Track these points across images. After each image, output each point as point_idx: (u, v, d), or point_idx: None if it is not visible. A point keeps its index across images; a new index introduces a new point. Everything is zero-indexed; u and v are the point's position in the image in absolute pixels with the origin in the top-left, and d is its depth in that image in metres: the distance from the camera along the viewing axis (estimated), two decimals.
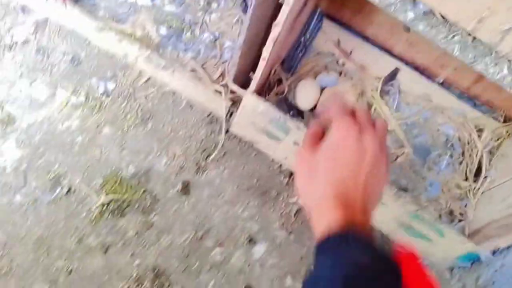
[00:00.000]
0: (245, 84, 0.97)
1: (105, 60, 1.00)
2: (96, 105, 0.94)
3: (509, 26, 0.49)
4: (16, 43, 0.96)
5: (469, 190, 1.02)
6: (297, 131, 0.89)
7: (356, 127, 0.45)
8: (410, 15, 0.59)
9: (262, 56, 0.81)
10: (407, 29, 0.98)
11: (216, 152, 0.97)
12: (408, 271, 0.34)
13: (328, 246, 0.36)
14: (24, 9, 1.01)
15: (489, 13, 0.49)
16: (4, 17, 0.99)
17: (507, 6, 0.46)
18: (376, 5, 0.58)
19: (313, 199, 0.43)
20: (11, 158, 0.84)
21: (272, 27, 0.74)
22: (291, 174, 0.99)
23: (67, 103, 0.92)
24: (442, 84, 1.06)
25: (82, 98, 0.93)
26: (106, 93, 0.96)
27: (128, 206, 0.86)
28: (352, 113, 0.48)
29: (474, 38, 0.53)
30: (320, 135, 0.48)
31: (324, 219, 0.39)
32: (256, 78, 0.86)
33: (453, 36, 0.54)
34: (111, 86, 0.97)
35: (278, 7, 0.84)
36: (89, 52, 1.00)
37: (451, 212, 1.02)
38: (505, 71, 0.53)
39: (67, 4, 0.95)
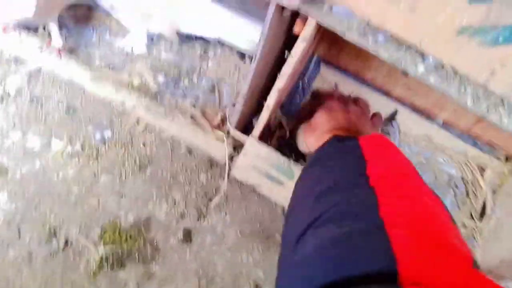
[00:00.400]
0: (246, 129, 0.99)
1: (101, 107, 1.01)
2: (92, 153, 0.94)
3: None
4: (9, 94, 0.97)
5: (475, 230, 1.02)
6: None
7: (341, 102, 0.78)
8: (421, 68, 0.62)
9: (266, 104, 0.83)
10: (405, 74, 1.02)
11: (217, 197, 0.96)
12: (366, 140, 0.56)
13: (325, 145, 0.62)
14: (17, 60, 1.02)
15: (500, 66, 0.52)
16: None
17: None
18: (386, 60, 0.61)
19: (315, 140, 0.70)
20: (4, 211, 0.83)
21: (278, 78, 0.76)
22: None
23: (62, 153, 0.92)
24: (442, 125, 1.09)
25: (78, 147, 0.93)
26: (103, 141, 0.96)
27: (128, 256, 0.85)
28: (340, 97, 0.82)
29: (486, 89, 0.56)
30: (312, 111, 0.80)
31: (322, 140, 0.64)
32: (259, 125, 0.88)
33: (465, 88, 0.57)
34: (107, 134, 0.97)
35: (279, 57, 0.88)
36: (85, 101, 1.01)
37: None
38: None
39: (62, 55, 0.97)
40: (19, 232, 0.82)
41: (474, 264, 0.39)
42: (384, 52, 0.64)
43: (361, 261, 0.35)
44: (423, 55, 0.65)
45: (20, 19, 0.85)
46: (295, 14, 0.71)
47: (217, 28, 1.04)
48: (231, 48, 1.17)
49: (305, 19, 0.68)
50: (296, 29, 0.70)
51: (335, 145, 0.59)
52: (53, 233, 0.83)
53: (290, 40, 0.83)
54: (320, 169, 0.56)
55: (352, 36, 0.63)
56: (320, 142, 0.63)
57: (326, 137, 0.64)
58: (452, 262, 0.35)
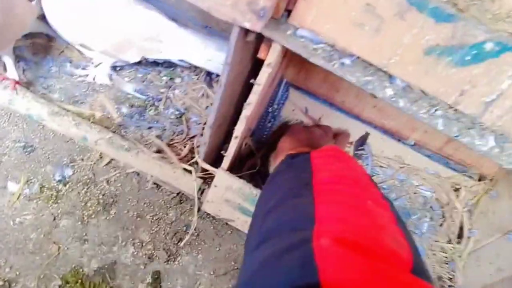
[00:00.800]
0: (215, 160, 0.93)
1: (61, 144, 0.94)
2: (52, 195, 0.86)
3: (491, 98, 0.49)
4: None
5: (454, 253, 0.99)
6: None
7: (304, 127, 0.87)
8: (389, 92, 0.59)
9: (234, 135, 0.78)
10: (374, 95, 1.00)
11: (188, 235, 0.90)
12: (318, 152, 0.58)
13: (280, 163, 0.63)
14: None
15: (470, 86, 0.49)
16: None
17: (487, 79, 0.46)
18: (354, 84, 0.58)
19: (277, 161, 0.67)
20: None
21: (244, 106, 0.72)
22: None
23: (19, 196, 0.84)
24: (413, 146, 1.07)
25: (36, 189, 0.86)
26: (63, 180, 0.89)
27: None
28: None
29: (457, 110, 0.53)
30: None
31: (283, 154, 0.65)
32: (229, 156, 0.83)
33: (435, 110, 0.53)
34: (68, 172, 0.90)
35: (247, 84, 0.84)
36: (44, 138, 0.94)
37: (439, 278, 0.98)
38: (492, 142, 0.52)
39: (18, 89, 0.90)
40: None
41: (415, 268, 0.37)
42: (351, 76, 0.61)
43: (287, 278, 0.34)
44: (390, 77, 0.62)
45: None
46: (259, 39, 0.67)
47: (183, 51, 0.98)
48: (198, 74, 1.13)
49: (269, 44, 0.64)
50: (261, 54, 0.66)
51: (288, 162, 0.60)
52: None
53: (257, 66, 0.79)
54: (270, 186, 0.56)
55: (317, 60, 0.60)
56: (276, 164, 0.65)
57: (281, 157, 0.65)
58: (382, 268, 0.34)
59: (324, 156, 0.56)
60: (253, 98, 0.70)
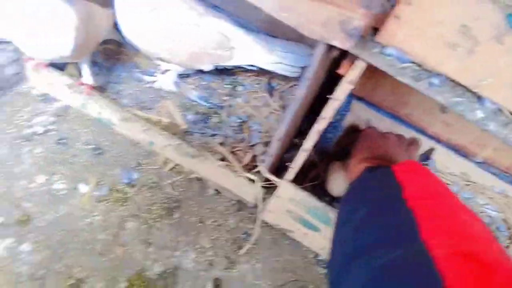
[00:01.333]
0: (277, 169, 0.92)
1: (129, 148, 0.96)
2: (120, 197, 0.88)
3: None
4: (36, 133, 0.92)
5: None
6: None
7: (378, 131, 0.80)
8: (479, 114, 0.55)
9: (303, 148, 0.76)
10: (444, 110, 0.95)
11: (248, 244, 0.89)
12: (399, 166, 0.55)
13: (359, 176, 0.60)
14: (45, 98, 0.98)
15: None
16: (23, 108, 0.96)
17: None
18: (443, 104, 0.54)
19: (349, 172, 0.70)
20: (27, 264, 0.76)
21: (317, 120, 0.70)
22: None
23: (89, 198, 0.85)
24: (480, 163, 1.01)
25: (105, 191, 0.87)
26: (130, 184, 0.90)
27: None
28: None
29: None
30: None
31: (354, 173, 0.63)
32: (294, 168, 0.81)
33: None
34: (135, 175, 0.91)
35: (317, 97, 0.81)
36: (112, 141, 0.96)
37: None
38: None
39: (92, 94, 0.92)
40: (43, 287, 0.75)
41: None
42: (440, 96, 0.57)
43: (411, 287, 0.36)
44: (479, 99, 0.58)
45: (54, 58, 0.80)
46: (342, 54, 0.65)
47: (252, 56, 0.98)
48: (259, 83, 1.11)
49: (352, 60, 0.62)
50: (342, 70, 0.64)
51: (368, 175, 0.58)
52: (78, 287, 0.76)
53: (330, 79, 0.77)
54: (355, 199, 0.55)
55: (405, 79, 0.57)
56: (352, 175, 0.63)
57: (358, 168, 0.63)
58: (498, 278, 0.35)
59: (409, 171, 0.54)
60: (329, 113, 0.68)
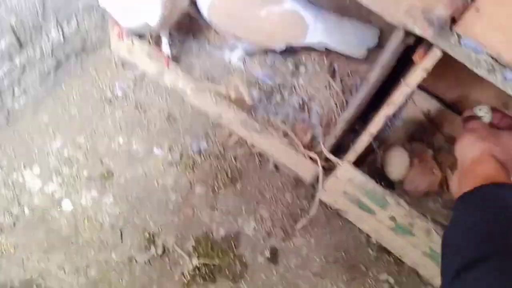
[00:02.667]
0: (336, 151, 0.97)
1: (198, 118, 1.03)
2: (189, 164, 0.95)
3: None
4: (116, 97, 1.00)
5: None
6: (396, 207, 0.87)
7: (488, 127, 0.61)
8: None
9: (369, 131, 0.80)
10: (506, 107, 0.97)
11: (304, 219, 0.95)
12: None
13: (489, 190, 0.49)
14: (125, 65, 1.06)
15: None
16: (105, 72, 1.04)
17: None
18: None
19: (460, 177, 0.56)
20: (109, 215, 0.86)
21: (387, 104, 0.74)
22: (380, 248, 0.96)
23: (163, 161, 0.94)
24: None
25: (177, 156, 0.95)
26: (198, 152, 0.98)
27: (219, 271, 0.86)
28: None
29: None
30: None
31: (468, 180, 0.52)
32: (356, 150, 0.86)
33: None
34: (203, 145, 0.99)
35: (387, 80, 0.85)
36: (183, 111, 1.03)
37: None
38: None
39: (169, 65, 0.98)
40: (121, 236, 0.85)
41: None
42: None
43: None
44: None
45: (140, 26, 0.87)
46: (416, 42, 0.68)
47: (323, 35, 1.01)
48: (321, 65, 1.15)
49: (428, 49, 0.65)
50: (416, 57, 0.68)
51: (494, 192, 0.47)
52: (152, 240, 0.86)
53: (399, 65, 0.81)
54: (479, 214, 0.47)
55: (480, 71, 0.60)
56: (467, 183, 0.50)
57: (473, 174, 0.51)
58: None
59: None
60: (399, 98, 0.72)
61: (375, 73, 0.76)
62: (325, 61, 1.17)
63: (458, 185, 0.54)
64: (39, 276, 0.78)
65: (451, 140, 1.08)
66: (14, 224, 0.81)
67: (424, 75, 0.70)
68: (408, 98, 1.05)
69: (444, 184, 1.02)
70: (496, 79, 0.62)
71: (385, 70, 0.81)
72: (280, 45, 1.02)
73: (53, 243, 0.81)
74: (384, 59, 0.73)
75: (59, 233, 0.82)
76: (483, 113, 0.62)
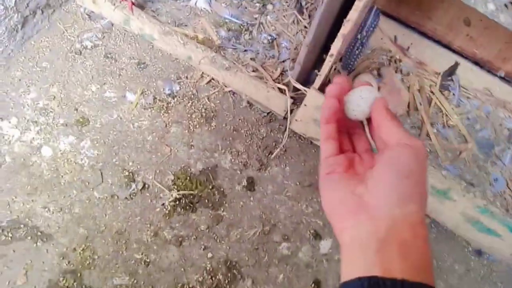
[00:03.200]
0: (304, 82, 0.99)
1: (168, 63, 1.05)
2: (163, 106, 0.98)
3: None
4: (86, 47, 1.02)
5: None
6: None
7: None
8: (491, 6, 0.60)
9: (329, 53, 0.83)
10: (468, 23, 0.99)
11: (277, 149, 0.99)
12: None
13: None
14: (90, 16, 1.07)
15: None
16: (73, 24, 1.05)
17: None
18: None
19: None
20: (88, 157, 0.89)
21: (344, 23, 0.76)
22: None
23: (136, 105, 0.97)
24: (503, 79, 1.06)
25: (150, 99, 0.98)
26: (172, 94, 1.00)
27: (198, 201, 0.90)
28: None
29: None
30: None
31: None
32: (322, 75, 0.88)
33: None
34: (176, 87, 1.01)
35: (345, 4, 0.87)
36: (153, 56, 1.05)
37: None
38: None
39: (134, 11, 1.00)
40: (102, 176, 0.89)
41: None
42: None
43: None
44: None
45: None
46: None
47: None
48: (288, 1, 1.17)
49: None
50: None
51: None
52: (132, 178, 0.90)
53: None
54: None
55: None
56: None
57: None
58: None
59: None
60: (354, 15, 0.74)
61: None
62: None
63: None
64: (25, 216, 0.82)
65: (420, 64, 1.11)
66: None
67: None
68: (372, 26, 1.06)
69: (411, 106, 1.05)
70: None
71: None
72: None
73: (36, 186, 0.85)
74: None
75: (41, 177, 0.86)
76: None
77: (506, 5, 0.61)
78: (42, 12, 1.02)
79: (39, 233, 0.82)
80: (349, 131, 0.40)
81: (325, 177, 0.36)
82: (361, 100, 0.37)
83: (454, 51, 1.06)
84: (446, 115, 1.05)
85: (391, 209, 0.31)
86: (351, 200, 0.33)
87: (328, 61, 0.85)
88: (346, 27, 0.77)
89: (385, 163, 0.32)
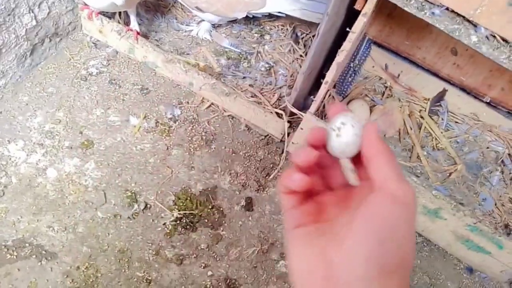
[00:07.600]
0: (301, 107, 1.05)
1: (171, 89, 1.10)
2: (165, 129, 1.03)
3: None
4: (91, 74, 1.07)
5: None
6: None
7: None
8: (474, 38, 0.67)
9: (324, 80, 0.89)
10: (455, 53, 1.06)
11: (275, 171, 1.03)
12: None
13: None
14: (96, 44, 1.13)
15: None
16: (79, 52, 1.11)
17: None
18: (442, 31, 0.66)
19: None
20: (92, 178, 0.93)
21: (338, 53, 0.82)
22: None
23: (139, 128, 1.01)
24: (489, 104, 1.12)
25: (152, 123, 1.03)
26: (173, 118, 1.05)
27: (198, 221, 0.93)
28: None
29: None
30: None
31: None
32: (317, 100, 0.94)
33: None
34: (177, 112, 1.06)
35: (339, 35, 0.94)
36: (156, 82, 1.11)
37: (506, 226, 1.05)
38: None
39: (138, 39, 1.06)
40: (105, 196, 0.92)
41: None
42: (440, 24, 0.70)
43: None
44: (475, 27, 0.70)
45: (107, 6, 0.94)
46: None
47: (282, 4, 1.10)
48: (285, 31, 1.24)
49: None
50: (358, 5, 0.76)
51: None
52: (134, 198, 0.93)
53: (350, 18, 0.89)
54: None
55: (411, 9, 0.69)
56: None
57: None
58: None
59: None
60: (347, 45, 0.80)
61: (323, 24, 0.84)
62: (288, 28, 1.26)
63: None
64: (30, 235, 0.85)
65: (410, 90, 1.17)
66: (3, 192, 0.89)
67: (365, 20, 0.78)
68: (365, 55, 1.13)
69: (402, 130, 1.11)
70: (424, 15, 0.71)
71: (333, 21, 0.89)
72: (240, 14, 1.10)
73: (41, 207, 0.89)
74: (328, 9, 0.81)
75: (46, 197, 0.90)
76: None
77: (487, 37, 0.67)
78: (50, 40, 1.08)
79: (43, 252, 0.84)
80: (321, 162, 0.32)
81: (291, 232, 0.30)
82: (351, 130, 0.29)
83: (442, 78, 1.12)
84: (436, 139, 1.11)
85: (366, 286, 0.26)
86: (321, 269, 0.27)
87: (323, 88, 0.91)
88: (341, 57, 0.83)
89: (365, 222, 0.26)
